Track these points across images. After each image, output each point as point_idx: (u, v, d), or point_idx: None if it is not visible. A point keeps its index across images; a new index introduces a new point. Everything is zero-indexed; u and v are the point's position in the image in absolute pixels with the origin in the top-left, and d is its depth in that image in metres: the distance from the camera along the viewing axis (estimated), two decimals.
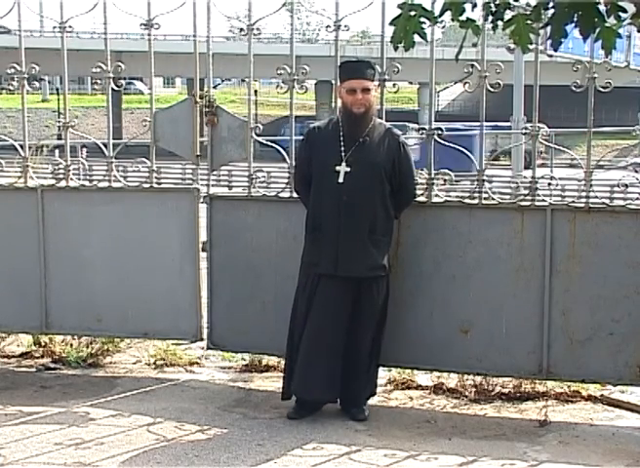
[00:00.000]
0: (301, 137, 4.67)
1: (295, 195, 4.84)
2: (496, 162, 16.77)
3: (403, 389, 4.99)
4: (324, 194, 4.42)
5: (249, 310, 5.08)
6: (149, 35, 5.10)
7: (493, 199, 4.79)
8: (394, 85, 4.86)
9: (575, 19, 2.34)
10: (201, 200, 5.16)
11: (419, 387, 5.02)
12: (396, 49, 2.50)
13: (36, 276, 5.33)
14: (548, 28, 2.40)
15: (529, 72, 12.46)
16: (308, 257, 4.49)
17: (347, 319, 4.41)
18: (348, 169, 4.36)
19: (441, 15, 2.49)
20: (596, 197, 4.65)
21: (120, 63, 5.20)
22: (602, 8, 2.36)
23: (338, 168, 4.37)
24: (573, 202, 4.67)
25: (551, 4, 2.39)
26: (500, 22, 2.47)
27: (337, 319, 4.39)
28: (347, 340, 4.43)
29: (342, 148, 4.40)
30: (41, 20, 38.80)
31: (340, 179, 4.35)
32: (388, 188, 4.43)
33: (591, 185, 4.67)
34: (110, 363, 5.49)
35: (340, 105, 4.53)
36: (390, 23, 2.48)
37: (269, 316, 5.01)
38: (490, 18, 2.49)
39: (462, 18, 2.45)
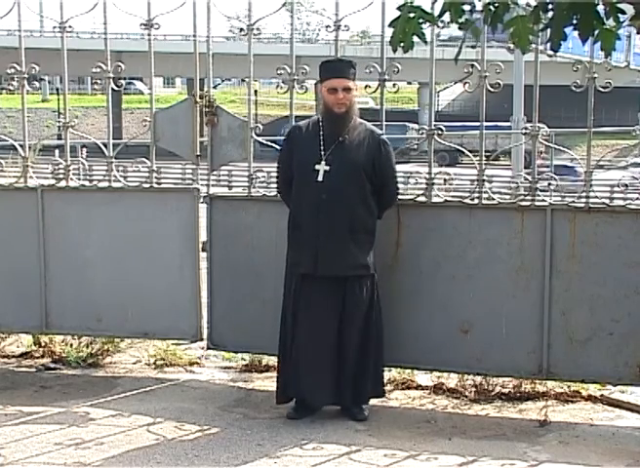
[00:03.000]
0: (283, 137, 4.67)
1: None
2: (496, 162, 16.77)
3: (403, 389, 4.99)
4: (304, 193, 4.42)
5: (249, 310, 5.08)
6: (149, 35, 5.10)
7: (493, 199, 4.79)
8: (394, 85, 4.86)
9: (574, 22, 2.33)
10: (201, 200, 5.16)
11: (419, 387, 5.02)
12: (395, 50, 2.50)
13: (36, 276, 5.33)
14: (548, 30, 2.40)
15: (529, 72, 12.45)
16: (291, 257, 4.50)
17: (337, 318, 4.40)
18: (327, 167, 4.36)
19: (440, 16, 2.49)
20: (596, 197, 4.66)
21: (120, 63, 5.20)
22: (601, 8, 2.35)
23: (317, 166, 4.37)
24: (573, 202, 4.67)
25: (550, 6, 2.38)
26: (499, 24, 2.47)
27: (324, 318, 4.38)
28: (340, 341, 4.43)
29: (322, 147, 4.40)
30: (41, 20, 38.83)
31: (320, 178, 4.36)
32: (369, 187, 4.43)
33: (591, 185, 4.68)
34: (110, 363, 5.49)
35: (321, 104, 4.53)
36: (389, 25, 2.47)
37: (269, 316, 4.99)
38: (489, 19, 2.48)
39: (462, 20, 2.44)
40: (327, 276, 4.36)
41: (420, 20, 2.42)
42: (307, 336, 4.39)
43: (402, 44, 2.46)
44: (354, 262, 4.39)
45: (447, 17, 2.45)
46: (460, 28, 2.44)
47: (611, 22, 2.37)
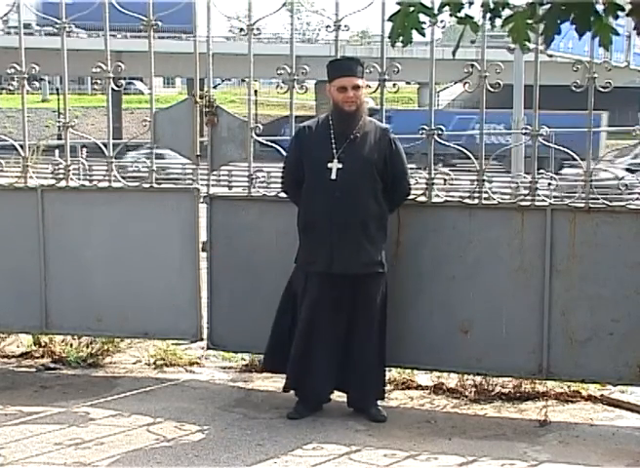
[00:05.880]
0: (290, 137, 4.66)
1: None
2: (493, 164, 16.71)
3: (403, 389, 4.99)
4: (316, 192, 4.41)
5: (249, 310, 5.07)
6: (149, 35, 5.10)
7: (493, 199, 4.79)
8: (394, 85, 4.86)
9: (571, 17, 2.33)
10: (201, 200, 5.16)
11: (419, 387, 5.02)
12: (394, 45, 2.49)
13: (36, 276, 5.33)
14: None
15: (529, 72, 12.45)
16: (304, 257, 4.49)
17: (346, 317, 4.41)
18: (340, 165, 4.36)
19: (440, 11, 2.48)
20: (596, 197, 4.65)
21: (120, 63, 5.20)
22: (600, 7, 2.35)
23: (330, 165, 4.37)
24: (573, 202, 4.67)
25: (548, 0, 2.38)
26: (498, 20, 2.47)
27: (333, 316, 4.39)
28: (349, 340, 4.43)
29: (334, 145, 4.40)
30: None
31: (333, 176, 4.35)
32: (381, 185, 4.43)
33: (591, 185, 4.67)
34: (110, 363, 5.49)
35: (331, 103, 4.52)
36: (389, 19, 2.47)
37: (269, 316, 4.99)
38: (488, 15, 2.48)
39: (461, 14, 2.44)
40: (341, 274, 4.36)
41: (420, 15, 2.41)
42: (317, 333, 4.39)
43: (401, 38, 2.45)
44: (369, 260, 4.39)
45: (446, 13, 2.44)
46: (458, 23, 2.44)
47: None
